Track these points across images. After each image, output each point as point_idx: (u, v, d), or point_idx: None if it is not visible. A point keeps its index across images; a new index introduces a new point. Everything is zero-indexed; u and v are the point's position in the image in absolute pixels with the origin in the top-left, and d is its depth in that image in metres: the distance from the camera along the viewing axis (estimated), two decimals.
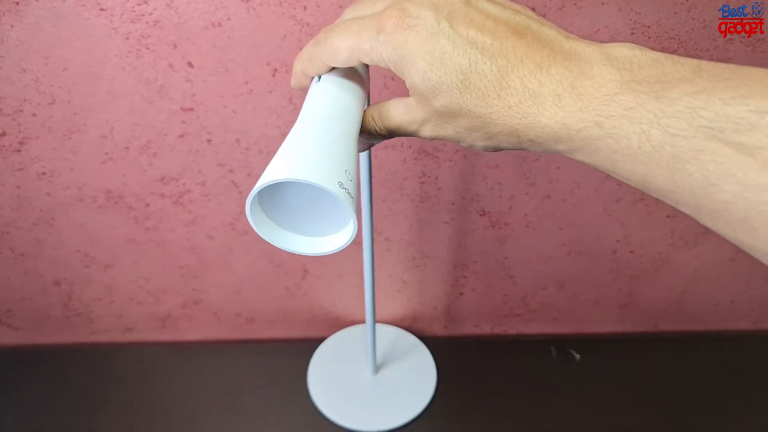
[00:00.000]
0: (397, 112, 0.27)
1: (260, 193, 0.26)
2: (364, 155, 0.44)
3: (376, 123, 0.29)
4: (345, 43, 0.26)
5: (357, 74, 0.31)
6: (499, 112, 0.23)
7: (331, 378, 0.64)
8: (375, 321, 0.58)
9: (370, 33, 0.25)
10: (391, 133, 0.29)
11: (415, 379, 0.65)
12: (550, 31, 0.24)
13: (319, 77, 0.30)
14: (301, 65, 0.29)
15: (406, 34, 0.24)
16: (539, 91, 0.22)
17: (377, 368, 0.65)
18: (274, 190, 0.27)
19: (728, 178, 0.19)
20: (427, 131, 0.27)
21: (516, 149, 0.25)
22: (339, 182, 0.25)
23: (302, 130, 0.28)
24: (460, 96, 0.24)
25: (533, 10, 0.47)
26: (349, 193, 0.26)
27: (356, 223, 0.27)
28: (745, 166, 0.18)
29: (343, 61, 0.27)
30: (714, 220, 0.20)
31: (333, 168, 0.26)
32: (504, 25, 0.24)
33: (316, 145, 0.27)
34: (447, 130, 0.26)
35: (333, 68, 0.29)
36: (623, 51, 0.22)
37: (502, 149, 0.26)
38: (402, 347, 0.69)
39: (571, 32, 0.25)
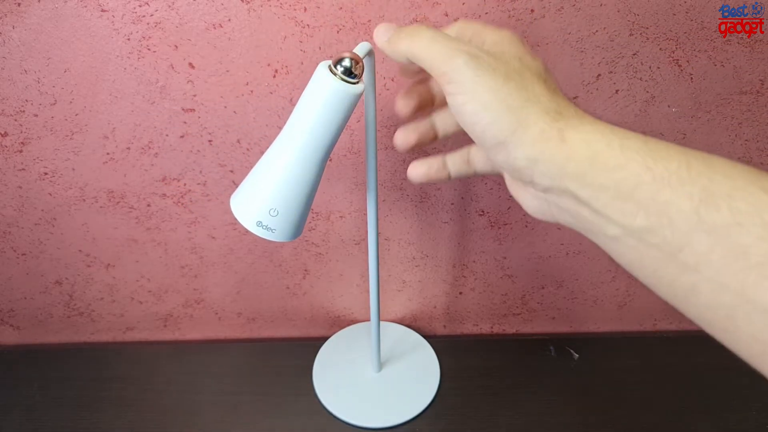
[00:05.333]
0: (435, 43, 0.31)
1: None
2: (371, 160, 0.44)
3: (403, 34, 0.32)
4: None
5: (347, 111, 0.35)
6: (518, 93, 0.29)
7: (336, 375, 0.65)
8: (380, 319, 0.59)
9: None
10: (404, 52, 0.32)
11: (418, 375, 0.65)
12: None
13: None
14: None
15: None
16: (549, 98, 0.29)
17: (381, 365, 0.65)
18: None
19: None
20: (464, 66, 0.29)
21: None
22: (258, 222, 0.36)
23: (262, 170, 0.37)
24: (503, 78, 0.29)
25: (532, 11, 0.48)
26: (268, 229, 0.36)
27: (285, 240, 0.37)
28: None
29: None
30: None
31: (256, 210, 0.36)
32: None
33: (257, 192, 0.36)
34: (481, 67, 0.29)
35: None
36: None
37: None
38: (405, 345, 0.69)
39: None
